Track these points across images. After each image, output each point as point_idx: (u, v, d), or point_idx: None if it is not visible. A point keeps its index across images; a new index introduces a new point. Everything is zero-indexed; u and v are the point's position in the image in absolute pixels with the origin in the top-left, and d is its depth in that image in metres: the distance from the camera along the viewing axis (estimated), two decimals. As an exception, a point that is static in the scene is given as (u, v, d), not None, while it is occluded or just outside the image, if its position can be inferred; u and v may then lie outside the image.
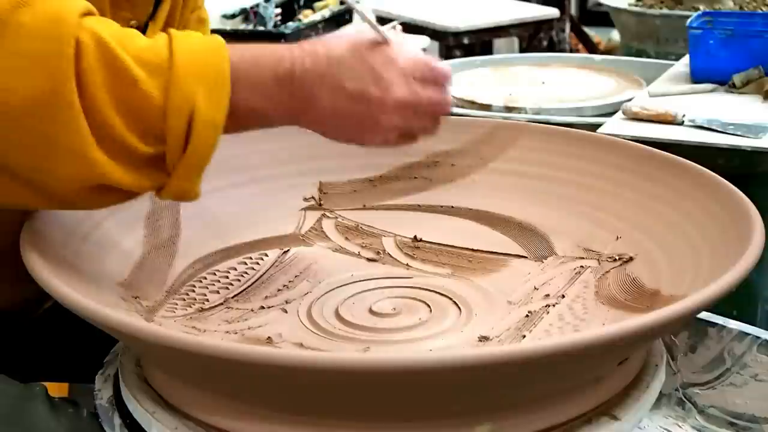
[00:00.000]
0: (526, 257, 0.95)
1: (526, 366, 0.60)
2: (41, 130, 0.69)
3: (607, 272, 0.90)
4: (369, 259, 0.95)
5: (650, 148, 1.00)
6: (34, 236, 0.78)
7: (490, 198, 1.02)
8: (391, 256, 0.95)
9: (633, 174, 0.97)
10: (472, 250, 0.96)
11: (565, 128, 1.08)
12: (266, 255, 0.95)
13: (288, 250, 0.95)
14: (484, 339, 0.80)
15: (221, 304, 0.83)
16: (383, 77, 0.76)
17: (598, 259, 0.92)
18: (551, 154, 1.04)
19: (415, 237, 0.98)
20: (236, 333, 0.82)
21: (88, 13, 0.71)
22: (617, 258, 0.91)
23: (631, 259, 0.90)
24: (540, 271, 0.92)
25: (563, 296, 0.87)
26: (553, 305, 0.85)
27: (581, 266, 0.92)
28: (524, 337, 0.79)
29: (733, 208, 0.83)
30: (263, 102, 0.75)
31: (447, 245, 0.96)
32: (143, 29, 0.97)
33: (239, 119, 0.74)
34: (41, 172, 0.72)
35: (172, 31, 0.74)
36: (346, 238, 0.98)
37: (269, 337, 0.79)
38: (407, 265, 0.94)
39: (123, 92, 0.70)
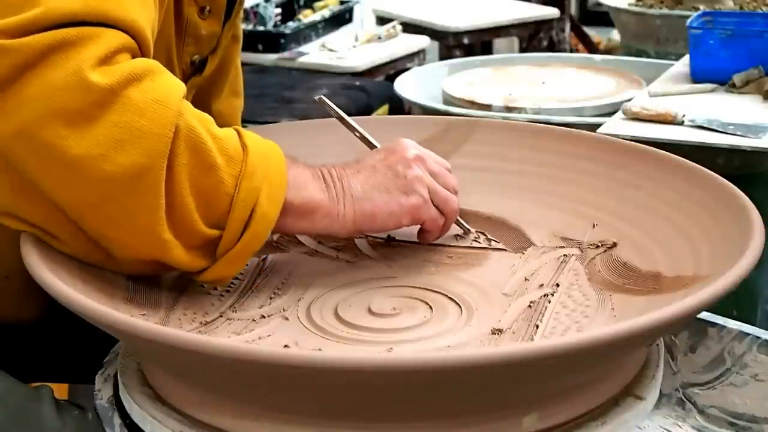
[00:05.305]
0: (505, 249, 0.95)
1: (577, 356, 0.62)
2: (123, 202, 0.72)
3: (593, 259, 0.91)
4: (348, 261, 0.94)
5: (613, 138, 1.03)
6: (35, 236, 0.78)
7: None
8: (369, 257, 0.95)
9: (597, 164, 0.98)
10: (449, 246, 0.95)
11: (523, 123, 1.07)
12: (246, 264, 0.94)
13: (265, 257, 0.94)
14: (497, 332, 0.79)
15: (220, 316, 0.82)
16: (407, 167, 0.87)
17: (579, 247, 0.93)
18: (509, 148, 1.04)
19: (389, 236, 0.97)
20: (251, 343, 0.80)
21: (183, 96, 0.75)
22: (599, 244, 0.92)
23: (614, 244, 0.91)
24: (524, 262, 0.92)
25: (557, 285, 0.87)
26: (552, 294, 0.85)
27: (564, 255, 0.92)
28: (537, 327, 0.79)
29: (734, 208, 0.83)
30: (307, 198, 0.81)
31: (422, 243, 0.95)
32: (204, 61, 1.02)
33: (287, 217, 0.79)
34: (108, 240, 0.75)
35: (239, 128, 0.79)
36: (319, 242, 0.97)
37: (286, 345, 0.78)
38: (389, 264, 0.93)
39: (201, 175, 0.74)
